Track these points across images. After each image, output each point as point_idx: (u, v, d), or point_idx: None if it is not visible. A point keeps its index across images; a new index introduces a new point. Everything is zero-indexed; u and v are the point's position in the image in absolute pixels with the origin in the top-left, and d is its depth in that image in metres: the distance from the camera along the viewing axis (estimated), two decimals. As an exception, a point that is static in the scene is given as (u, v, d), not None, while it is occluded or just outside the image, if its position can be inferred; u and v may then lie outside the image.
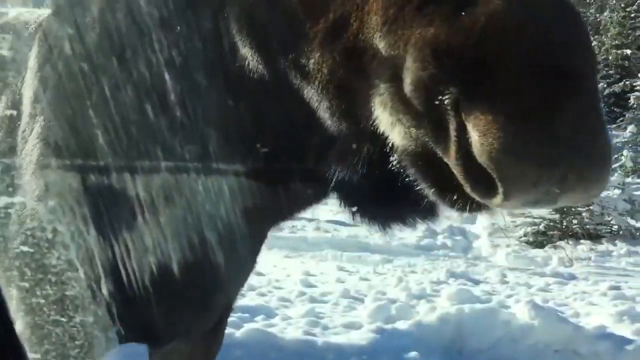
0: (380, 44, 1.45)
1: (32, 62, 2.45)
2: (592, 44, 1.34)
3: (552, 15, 1.27)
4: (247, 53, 1.92)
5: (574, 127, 1.23)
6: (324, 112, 1.78)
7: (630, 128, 28.89)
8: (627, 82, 37.34)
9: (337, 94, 1.70)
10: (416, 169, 1.49)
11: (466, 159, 1.30)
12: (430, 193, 1.50)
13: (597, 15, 46.26)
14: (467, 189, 1.35)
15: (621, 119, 34.23)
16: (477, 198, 1.37)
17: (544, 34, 1.24)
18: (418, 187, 1.52)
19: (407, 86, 1.35)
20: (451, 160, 1.34)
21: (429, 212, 1.87)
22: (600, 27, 43.99)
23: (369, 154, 1.70)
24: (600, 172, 1.32)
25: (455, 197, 1.44)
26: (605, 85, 37.95)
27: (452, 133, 1.30)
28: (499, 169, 1.25)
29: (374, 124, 1.54)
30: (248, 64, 1.94)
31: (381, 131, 1.53)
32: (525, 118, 1.22)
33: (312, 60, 1.69)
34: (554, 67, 1.22)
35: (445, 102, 1.27)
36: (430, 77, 1.29)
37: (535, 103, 1.22)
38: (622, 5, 40.64)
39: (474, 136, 1.25)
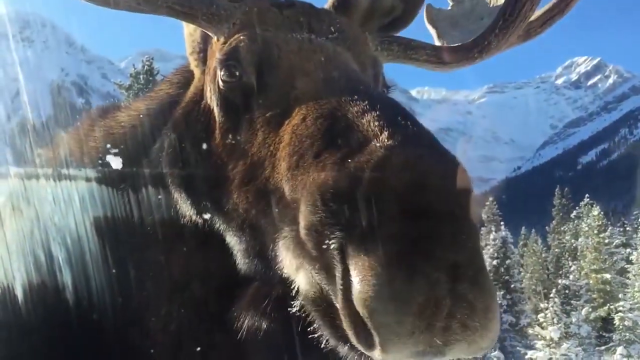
0: (285, 188, 1.59)
1: None
2: (470, 194, 1.33)
3: (429, 164, 1.31)
4: (186, 209, 2.05)
5: (452, 274, 1.23)
6: (240, 256, 1.87)
7: (620, 350, 28.18)
8: (612, 307, 37.32)
9: (250, 234, 1.79)
10: (315, 313, 1.50)
11: (349, 306, 1.32)
12: (327, 340, 1.50)
13: (573, 241, 47.92)
14: (352, 338, 1.35)
15: (610, 343, 33.49)
16: (361, 349, 1.35)
17: (419, 179, 1.27)
18: (317, 334, 1.52)
19: (301, 230, 1.43)
20: (338, 307, 1.37)
21: None
22: (578, 253, 45.24)
23: (277, 298, 1.72)
24: (485, 322, 1.29)
25: (348, 347, 1.43)
26: (590, 310, 37.78)
27: (338, 280, 1.33)
28: (372, 318, 1.25)
29: (280, 266, 1.61)
30: (187, 218, 2.05)
31: (286, 275, 1.59)
32: (398, 264, 1.23)
33: (230, 201, 1.83)
34: (429, 211, 1.24)
35: (332, 247, 1.33)
36: (319, 221, 1.36)
37: (409, 248, 1.23)
38: (595, 231, 42.34)
39: (354, 283, 1.28)
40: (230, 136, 1.89)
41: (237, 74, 1.90)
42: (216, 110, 1.97)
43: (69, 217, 2.14)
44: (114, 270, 2.09)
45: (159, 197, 2.11)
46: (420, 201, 1.25)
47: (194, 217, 2.01)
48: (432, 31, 2.56)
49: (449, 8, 2.63)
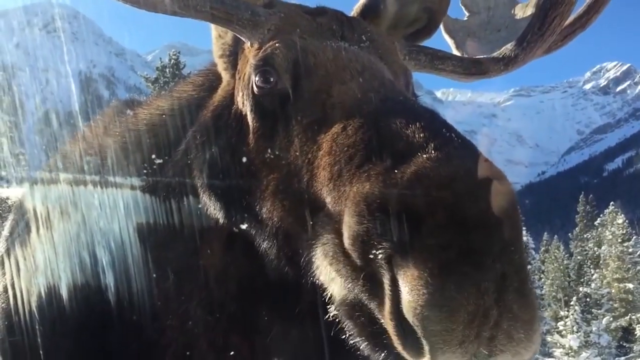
0: (327, 198, 1.58)
1: (6, 229, 2.66)
2: (517, 206, 1.36)
3: (477, 176, 1.31)
4: (215, 213, 2.06)
5: (498, 285, 1.25)
6: (272, 261, 1.88)
7: (640, 361, 27.75)
8: (633, 317, 36.80)
9: (284, 241, 1.81)
10: (351, 321, 1.52)
11: (398, 315, 1.33)
12: (363, 347, 1.51)
13: (596, 249, 47.30)
14: (398, 347, 1.37)
15: (630, 354, 33.01)
16: (408, 357, 1.36)
17: (468, 191, 1.28)
18: (352, 341, 1.53)
19: (346, 240, 1.44)
20: (385, 316, 1.37)
21: None
22: (600, 261, 44.64)
23: (307, 305, 1.76)
24: (530, 333, 1.30)
25: (386, 354, 1.44)
26: (611, 319, 37.29)
27: (387, 288, 1.34)
28: (423, 326, 1.26)
29: (314, 273, 1.63)
30: (214, 222, 2.07)
31: (320, 281, 1.62)
32: (448, 273, 1.24)
33: (264, 209, 1.84)
34: (478, 222, 1.25)
35: (379, 257, 1.34)
36: (366, 231, 1.37)
37: (459, 258, 1.24)
38: (619, 240, 41.74)
39: (404, 292, 1.29)
40: (264, 143, 1.88)
41: (272, 80, 1.90)
42: (250, 116, 1.97)
43: (114, 222, 2.20)
44: (151, 271, 2.14)
45: (186, 200, 2.13)
46: (469, 212, 1.25)
47: (222, 221, 2.01)
48: (450, 41, 2.58)
49: (465, 19, 2.64)
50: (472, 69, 2.32)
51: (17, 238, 2.37)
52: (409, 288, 1.26)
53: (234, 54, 2.20)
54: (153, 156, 2.23)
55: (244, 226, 1.94)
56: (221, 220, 2.01)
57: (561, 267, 47.59)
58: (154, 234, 2.17)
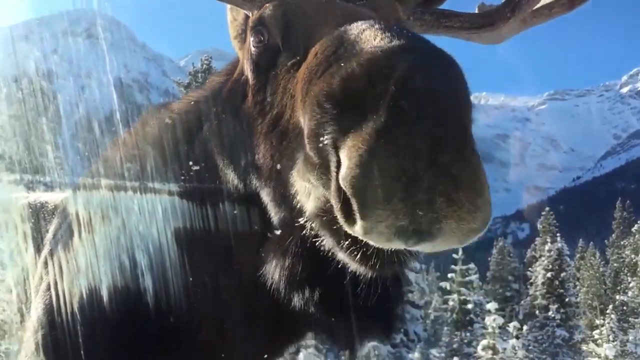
0: (300, 119, 1.65)
1: (50, 231, 2.79)
2: (461, 77, 1.37)
3: (419, 59, 1.34)
4: (229, 176, 2.21)
5: (432, 146, 1.25)
6: (271, 209, 1.96)
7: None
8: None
9: (277, 181, 1.88)
10: (323, 229, 1.56)
11: (339, 192, 1.36)
12: (329, 246, 1.57)
13: (633, 256, 46.13)
14: (340, 220, 1.39)
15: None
16: (346, 227, 1.39)
17: (408, 72, 1.30)
18: (330, 254, 1.58)
19: (305, 142, 1.50)
20: (331, 195, 1.41)
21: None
22: (638, 269, 43.53)
23: (302, 239, 1.76)
24: (472, 196, 1.28)
25: (347, 243, 1.48)
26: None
27: (332, 170, 1.39)
28: (352, 188, 1.29)
29: (297, 199, 1.69)
30: (226, 180, 2.22)
31: (299, 203, 1.68)
32: (378, 139, 1.27)
33: (260, 153, 1.96)
34: (414, 93, 1.27)
35: (327, 143, 1.40)
36: (316, 124, 1.43)
37: (390, 123, 1.27)
38: (658, 247, 40.66)
39: (342, 166, 1.34)
40: (259, 95, 2.02)
41: (265, 37, 2.03)
42: (250, 76, 2.11)
43: (152, 226, 2.29)
44: (187, 274, 2.22)
45: (221, 204, 2.21)
46: (405, 84, 1.27)
47: (236, 183, 2.14)
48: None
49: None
50: (479, 21, 2.32)
51: (60, 240, 2.46)
52: (347, 159, 1.30)
53: (244, 32, 2.32)
54: (190, 163, 2.31)
55: (254, 184, 2.03)
56: (235, 183, 2.13)
57: (597, 274, 46.57)
58: (191, 238, 2.24)
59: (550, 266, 37.82)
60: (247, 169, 2.07)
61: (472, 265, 35.64)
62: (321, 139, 1.39)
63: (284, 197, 1.81)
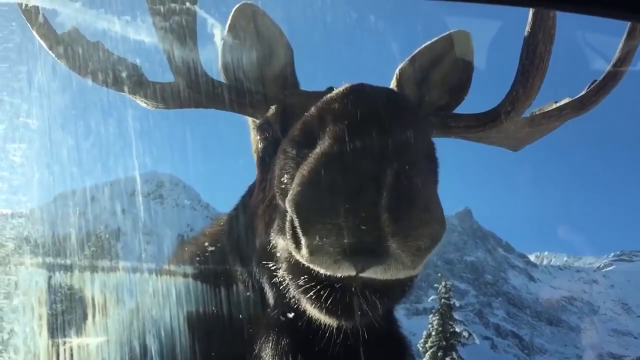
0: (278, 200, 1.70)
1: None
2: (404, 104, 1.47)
3: (363, 92, 1.45)
4: (239, 273, 2.21)
5: (375, 164, 1.29)
6: (267, 287, 1.96)
7: None
8: None
9: (269, 254, 1.85)
10: (285, 271, 1.61)
11: (291, 221, 1.41)
12: (293, 292, 1.58)
13: None
14: (290, 247, 1.44)
15: None
16: (295, 255, 1.43)
17: (350, 99, 1.40)
18: (296, 302, 1.59)
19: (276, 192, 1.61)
20: (285, 228, 1.47)
21: None
22: None
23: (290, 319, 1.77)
24: (419, 214, 1.30)
25: (308, 284, 1.48)
26: None
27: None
28: (293, 204, 1.33)
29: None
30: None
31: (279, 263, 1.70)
32: (321, 155, 1.33)
33: (258, 240, 1.98)
34: (354, 115, 1.37)
35: (287, 182, 1.47)
36: (280, 168, 1.55)
37: (334, 143, 1.34)
38: None
39: None
40: (262, 184, 2.06)
41: (270, 133, 2.12)
42: (257, 172, 2.20)
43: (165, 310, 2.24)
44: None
45: (234, 288, 2.17)
46: (345, 109, 1.35)
47: (244, 278, 2.11)
48: None
49: None
50: (483, 119, 2.32)
51: (73, 325, 2.40)
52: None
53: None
54: (206, 244, 2.32)
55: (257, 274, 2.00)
56: (244, 277, 2.11)
57: None
58: (203, 323, 2.16)
59: None
60: (251, 257, 2.06)
61: None
62: (282, 179, 1.47)
63: (273, 272, 1.78)
